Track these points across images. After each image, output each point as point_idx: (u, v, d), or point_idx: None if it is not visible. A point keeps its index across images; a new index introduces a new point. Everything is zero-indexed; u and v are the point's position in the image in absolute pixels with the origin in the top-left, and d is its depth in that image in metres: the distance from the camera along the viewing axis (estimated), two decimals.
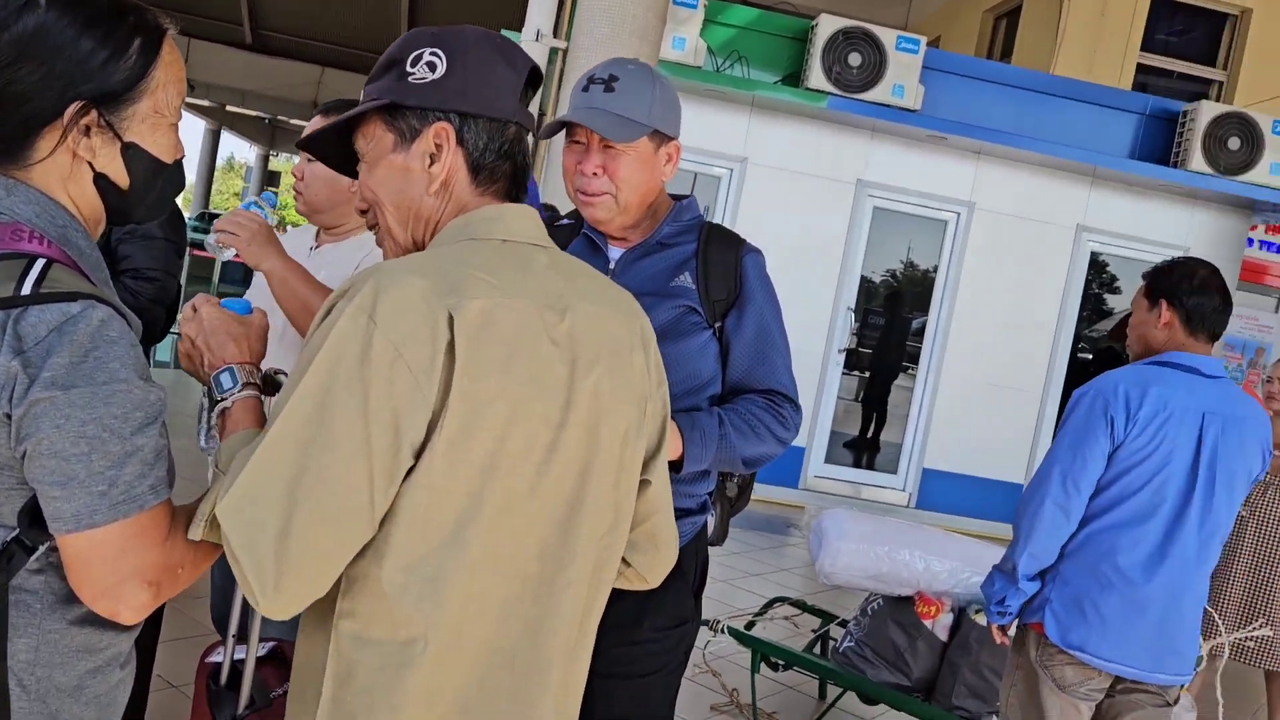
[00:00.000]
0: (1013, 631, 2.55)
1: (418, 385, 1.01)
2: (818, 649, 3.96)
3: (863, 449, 8.40)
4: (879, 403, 8.42)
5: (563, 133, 1.77)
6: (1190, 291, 2.39)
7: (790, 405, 1.83)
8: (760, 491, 7.64)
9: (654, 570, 1.35)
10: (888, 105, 7.36)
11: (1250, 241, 9.95)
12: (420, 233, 1.21)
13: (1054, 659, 2.39)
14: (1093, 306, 8.43)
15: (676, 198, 1.87)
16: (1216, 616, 3.36)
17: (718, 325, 1.80)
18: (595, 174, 1.72)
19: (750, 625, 3.93)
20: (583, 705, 1.82)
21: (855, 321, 8.11)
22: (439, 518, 1.04)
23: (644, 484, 1.29)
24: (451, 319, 1.03)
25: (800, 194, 7.73)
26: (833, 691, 3.88)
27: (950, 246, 8.07)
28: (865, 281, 8.12)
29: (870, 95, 7.33)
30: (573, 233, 1.88)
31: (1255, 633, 3.73)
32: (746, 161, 7.65)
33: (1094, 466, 2.32)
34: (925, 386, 8.14)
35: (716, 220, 7.58)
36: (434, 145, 1.18)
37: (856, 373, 8.33)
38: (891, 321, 8.35)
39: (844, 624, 3.82)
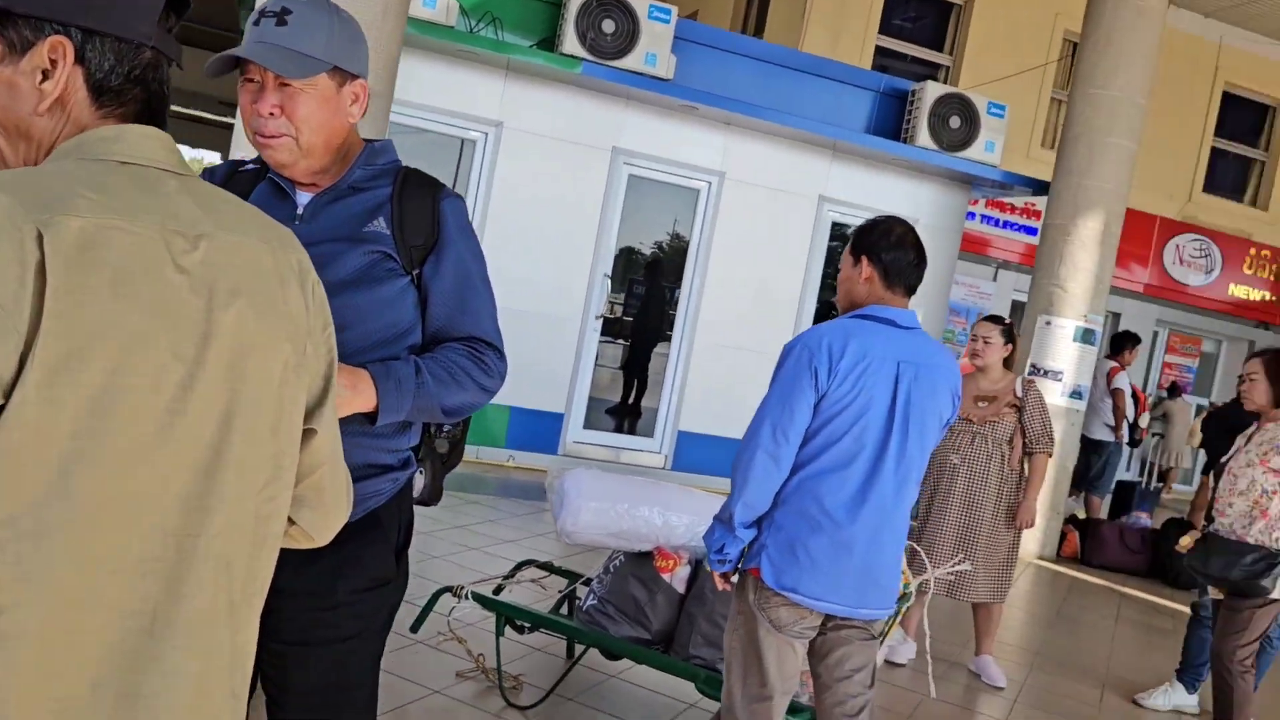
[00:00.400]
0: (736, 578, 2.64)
1: (3, 313, 0.89)
2: (565, 609, 3.98)
3: (624, 414, 8.54)
4: (640, 369, 8.58)
5: None
6: (888, 248, 2.54)
7: (494, 353, 1.79)
8: (518, 458, 7.63)
9: (321, 529, 1.27)
10: (641, 74, 7.46)
11: (971, 215, 10.82)
12: (32, 156, 1.09)
13: (769, 601, 2.49)
14: (835, 274, 8.89)
15: (370, 141, 1.78)
16: (924, 555, 3.62)
17: (416, 272, 1.73)
18: (272, 114, 1.61)
19: (499, 590, 3.90)
20: (279, 674, 1.73)
21: (617, 290, 8.21)
22: (38, 463, 0.92)
23: (308, 434, 1.20)
24: (41, 237, 0.92)
25: (556, 160, 7.72)
26: (579, 650, 3.92)
27: (702, 215, 8.30)
28: (628, 250, 8.23)
29: (624, 63, 7.40)
30: (257, 178, 1.76)
31: (956, 568, 4.06)
32: (502, 126, 7.55)
33: (801, 416, 2.42)
34: (680, 351, 8.36)
35: (471, 185, 7.46)
36: (48, 60, 1.05)
37: (620, 340, 8.45)
38: (651, 289, 8.51)
39: (589, 583, 3.85)
